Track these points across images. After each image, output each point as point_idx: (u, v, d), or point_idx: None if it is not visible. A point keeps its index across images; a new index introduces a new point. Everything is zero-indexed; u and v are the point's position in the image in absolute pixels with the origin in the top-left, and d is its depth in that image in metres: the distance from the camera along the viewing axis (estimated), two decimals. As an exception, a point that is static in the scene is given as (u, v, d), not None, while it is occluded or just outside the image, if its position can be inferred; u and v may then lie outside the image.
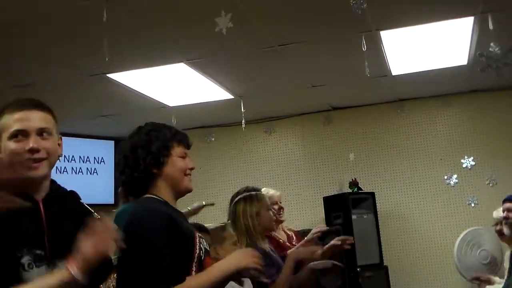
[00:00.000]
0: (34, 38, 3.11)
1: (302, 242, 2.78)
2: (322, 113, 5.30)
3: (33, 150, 1.40)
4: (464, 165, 4.98)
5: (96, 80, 3.86)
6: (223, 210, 3.01)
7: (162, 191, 1.70)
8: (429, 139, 5.09)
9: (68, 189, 1.57)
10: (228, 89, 4.36)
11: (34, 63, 3.49)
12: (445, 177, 5.01)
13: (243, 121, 4.42)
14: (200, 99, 4.58)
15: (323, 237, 4.24)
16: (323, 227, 2.90)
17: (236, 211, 2.47)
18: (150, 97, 4.40)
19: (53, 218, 1.43)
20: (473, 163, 4.96)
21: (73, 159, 5.35)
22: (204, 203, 3.16)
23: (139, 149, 1.69)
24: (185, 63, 3.69)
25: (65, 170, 5.25)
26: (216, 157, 5.46)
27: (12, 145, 1.41)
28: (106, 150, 5.52)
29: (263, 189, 2.72)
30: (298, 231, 3.89)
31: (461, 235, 4.36)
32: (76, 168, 5.37)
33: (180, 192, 1.74)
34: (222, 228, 2.48)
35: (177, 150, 1.73)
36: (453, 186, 4.99)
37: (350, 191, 4.81)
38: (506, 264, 3.22)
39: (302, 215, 5.22)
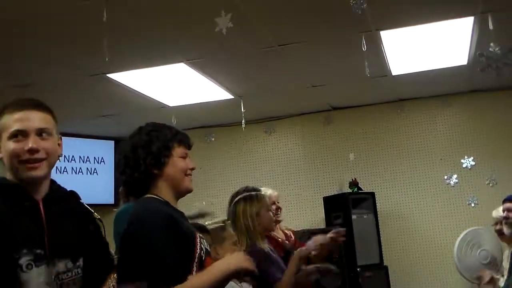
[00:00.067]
0: (34, 38, 3.11)
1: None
2: (322, 113, 5.30)
3: (32, 150, 1.40)
4: (464, 165, 4.99)
5: (96, 80, 3.86)
6: (223, 210, 3.01)
7: (163, 191, 1.70)
8: (429, 139, 5.09)
9: (68, 189, 1.57)
10: (228, 89, 4.36)
11: (34, 63, 3.49)
12: (445, 177, 5.01)
13: (243, 121, 4.42)
14: (200, 99, 4.58)
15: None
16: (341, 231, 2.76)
17: (236, 211, 2.47)
18: (150, 97, 4.40)
19: (53, 218, 1.43)
20: (473, 163, 4.97)
21: (73, 159, 5.35)
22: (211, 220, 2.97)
23: (140, 150, 1.69)
24: (185, 63, 3.69)
25: (65, 170, 5.25)
26: (216, 157, 5.46)
27: (11, 145, 1.41)
28: (106, 150, 5.52)
29: (261, 189, 2.72)
30: (298, 231, 3.90)
31: (461, 235, 4.36)
32: (76, 168, 5.37)
33: (180, 193, 1.74)
34: (222, 228, 2.49)
35: (178, 151, 1.73)
36: (453, 186, 4.99)
37: (350, 191, 4.81)
38: (506, 264, 3.22)
39: (302, 215, 5.22)
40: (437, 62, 4.12)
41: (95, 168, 5.49)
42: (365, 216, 4.71)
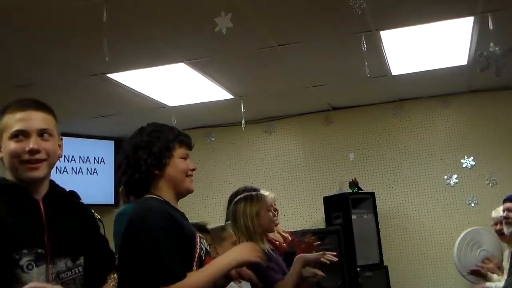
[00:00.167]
0: (34, 38, 3.11)
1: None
2: (322, 113, 5.30)
3: (33, 151, 1.40)
4: (464, 165, 4.99)
5: (96, 80, 3.86)
6: (222, 210, 3.01)
7: (164, 191, 1.70)
8: (429, 139, 5.09)
9: (68, 189, 1.57)
10: (228, 89, 4.36)
11: (34, 63, 3.49)
12: (445, 177, 5.01)
13: (243, 121, 4.43)
14: (200, 99, 4.58)
15: (323, 237, 4.25)
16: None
17: (236, 211, 2.47)
18: (150, 97, 4.40)
19: (53, 217, 1.43)
20: (473, 163, 4.97)
21: (73, 159, 5.35)
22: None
23: (141, 150, 1.69)
24: (185, 63, 3.70)
25: (65, 170, 5.25)
26: (216, 157, 5.46)
27: (12, 145, 1.41)
28: (106, 150, 5.52)
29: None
30: (297, 231, 3.90)
31: (461, 235, 4.35)
32: (76, 168, 5.37)
33: (181, 193, 1.75)
34: (222, 228, 2.49)
35: (179, 151, 1.73)
36: (453, 186, 4.99)
37: (350, 191, 4.81)
38: (506, 264, 3.22)
39: (302, 215, 5.22)
40: (437, 62, 4.12)
41: (95, 168, 5.49)
42: (365, 216, 4.71)
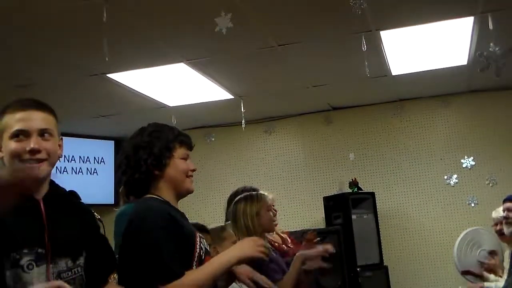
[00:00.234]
0: (34, 38, 3.11)
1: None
2: (322, 113, 5.30)
3: (34, 151, 1.41)
4: (464, 165, 4.99)
5: (96, 80, 3.86)
6: (222, 210, 3.01)
7: (164, 192, 1.70)
8: (429, 139, 5.09)
9: (68, 189, 1.57)
10: (228, 89, 4.36)
11: (34, 63, 3.49)
12: (445, 177, 5.01)
13: (243, 121, 4.43)
14: (200, 99, 4.58)
15: (323, 237, 4.23)
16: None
17: (237, 211, 2.47)
18: (150, 97, 4.40)
19: (53, 217, 1.43)
20: (473, 163, 4.96)
21: (73, 159, 5.35)
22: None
23: (141, 150, 1.69)
24: (185, 63, 3.70)
25: (65, 170, 5.25)
26: (216, 157, 5.46)
27: (13, 145, 1.41)
28: (106, 150, 5.52)
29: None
30: (297, 231, 3.89)
31: (461, 235, 4.35)
32: (76, 168, 5.37)
33: (181, 193, 1.75)
34: (222, 228, 2.49)
35: (179, 152, 1.73)
36: (453, 186, 4.99)
37: (350, 191, 4.81)
38: (506, 264, 3.22)
39: (302, 215, 5.22)
40: (437, 62, 4.12)
41: (95, 168, 5.49)
42: (365, 216, 4.71)
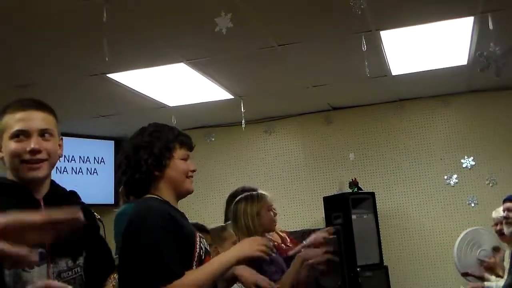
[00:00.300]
0: (34, 38, 3.11)
1: (303, 245, 2.75)
2: (322, 113, 5.30)
3: (34, 151, 1.40)
4: (464, 165, 4.99)
5: (96, 80, 3.86)
6: (222, 210, 3.01)
7: (164, 192, 1.70)
8: (429, 139, 5.09)
9: (68, 189, 1.57)
10: (228, 89, 4.36)
11: (34, 63, 3.49)
12: (445, 177, 5.01)
13: (243, 121, 4.43)
14: (200, 99, 4.58)
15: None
16: (326, 231, 2.80)
17: (237, 211, 2.47)
18: (150, 97, 4.40)
19: (54, 217, 1.43)
20: (473, 163, 4.97)
21: (73, 159, 5.35)
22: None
23: (141, 151, 1.69)
24: (185, 63, 3.69)
25: (65, 170, 5.25)
26: (216, 157, 5.46)
27: (13, 145, 1.41)
28: (106, 150, 5.52)
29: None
30: (297, 231, 3.90)
31: (461, 235, 4.35)
32: (76, 168, 5.37)
33: (181, 194, 1.75)
34: (223, 228, 2.49)
35: (179, 152, 1.73)
36: (453, 186, 4.99)
37: (350, 191, 4.81)
38: (506, 264, 3.22)
39: (302, 215, 5.22)
40: (437, 62, 4.12)
41: (95, 168, 5.49)
42: (365, 216, 4.71)
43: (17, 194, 1.42)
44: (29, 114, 1.43)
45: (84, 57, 3.43)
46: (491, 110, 4.94)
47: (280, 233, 2.99)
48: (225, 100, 4.59)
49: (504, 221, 3.10)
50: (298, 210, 5.23)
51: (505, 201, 3.12)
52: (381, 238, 4.73)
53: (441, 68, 4.22)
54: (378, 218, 4.75)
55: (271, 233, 2.82)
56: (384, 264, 4.68)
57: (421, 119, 5.13)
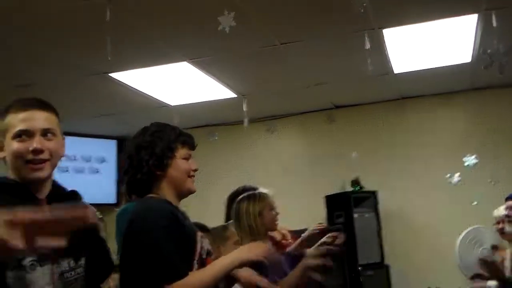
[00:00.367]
0: (34, 39, 3.11)
1: (299, 240, 2.78)
2: (325, 111, 5.29)
3: (36, 151, 1.40)
4: (466, 163, 4.97)
5: (98, 80, 3.86)
6: (222, 210, 3.00)
7: (165, 192, 1.70)
8: (432, 137, 5.07)
9: (70, 189, 1.57)
10: (231, 88, 4.36)
11: (35, 63, 3.48)
12: (448, 175, 4.99)
13: (245, 120, 4.42)
14: (202, 98, 4.58)
15: (324, 236, 4.22)
16: (321, 225, 2.88)
17: (239, 210, 2.46)
18: (153, 96, 4.40)
19: (56, 217, 1.42)
20: (475, 161, 4.95)
21: (75, 158, 5.35)
22: None
23: (143, 151, 1.69)
24: (187, 62, 3.69)
25: (67, 169, 5.25)
26: (219, 155, 5.45)
27: (15, 145, 1.40)
28: (108, 149, 5.52)
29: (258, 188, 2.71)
30: (298, 230, 3.88)
31: (463, 234, 4.34)
32: (78, 167, 5.37)
33: (183, 193, 1.74)
34: (224, 227, 2.48)
35: (181, 152, 1.72)
36: (455, 185, 4.97)
37: (352, 189, 4.80)
38: (508, 263, 3.21)
39: (304, 213, 5.20)
40: (440, 60, 4.10)
41: (97, 168, 5.49)
42: (366, 215, 4.70)
43: (19, 194, 1.41)
44: (32, 114, 1.42)
45: (85, 57, 3.43)
46: (494, 107, 4.92)
47: (282, 230, 2.99)
48: (227, 99, 4.58)
49: (506, 220, 3.09)
50: (300, 208, 5.21)
51: (507, 199, 3.11)
52: (382, 237, 4.72)
53: (444, 66, 4.21)
54: (380, 217, 4.74)
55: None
56: (386, 263, 4.68)
57: (424, 117, 5.11)
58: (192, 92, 4.41)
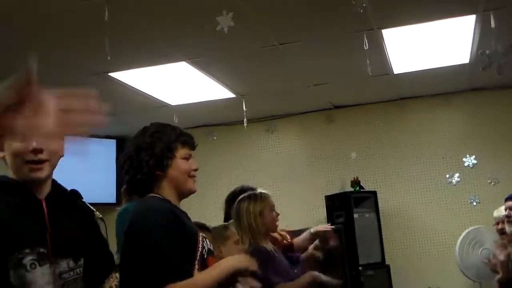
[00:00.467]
0: (34, 39, 3.11)
1: (307, 234, 2.78)
2: (324, 111, 5.29)
3: (36, 151, 1.40)
4: (466, 164, 4.97)
5: (98, 79, 3.86)
6: (223, 209, 3.00)
7: (166, 192, 1.70)
8: (431, 137, 5.08)
9: (70, 188, 1.57)
10: (230, 88, 4.36)
11: (35, 62, 3.48)
12: (447, 175, 5.00)
13: (245, 120, 4.42)
14: (202, 98, 4.58)
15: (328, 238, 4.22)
16: (325, 227, 2.88)
17: (240, 210, 2.46)
18: (152, 96, 4.40)
19: (55, 217, 1.43)
20: (475, 161, 4.95)
21: (74, 158, 5.34)
22: None
23: (143, 151, 1.69)
24: (187, 62, 3.69)
25: (66, 169, 5.25)
26: (219, 156, 5.45)
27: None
28: (108, 149, 5.52)
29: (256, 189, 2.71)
30: (299, 230, 3.88)
31: (463, 234, 4.35)
32: (77, 167, 5.36)
33: (183, 193, 1.75)
34: (225, 227, 2.48)
35: (181, 152, 1.72)
36: (455, 185, 4.98)
37: (352, 189, 4.81)
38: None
39: (304, 214, 5.21)
40: (439, 61, 4.11)
41: (97, 167, 5.49)
42: (367, 215, 4.70)
43: (19, 193, 1.42)
44: None
45: (84, 57, 3.43)
46: (493, 108, 4.93)
47: (281, 231, 2.99)
48: (227, 99, 4.58)
49: (505, 220, 3.09)
50: (300, 209, 5.22)
51: (507, 199, 3.11)
52: (383, 237, 4.72)
53: (443, 67, 4.21)
54: (380, 217, 4.74)
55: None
56: (386, 263, 4.68)
57: (423, 117, 5.11)
58: (192, 92, 4.41)
